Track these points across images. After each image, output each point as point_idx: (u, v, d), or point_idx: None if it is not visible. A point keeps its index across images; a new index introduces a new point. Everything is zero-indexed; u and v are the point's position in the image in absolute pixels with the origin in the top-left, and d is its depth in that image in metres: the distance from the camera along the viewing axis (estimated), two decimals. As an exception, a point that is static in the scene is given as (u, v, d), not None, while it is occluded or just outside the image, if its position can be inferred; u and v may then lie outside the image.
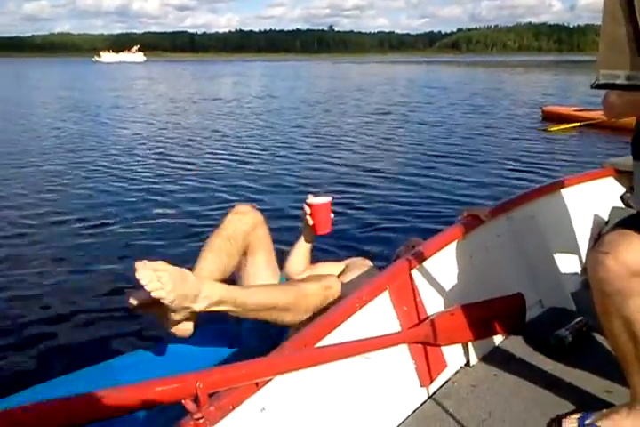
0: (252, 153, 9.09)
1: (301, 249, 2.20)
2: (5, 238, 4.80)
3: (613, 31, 0.89)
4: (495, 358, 1.83)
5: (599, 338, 1.83)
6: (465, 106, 17.02)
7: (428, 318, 1.72)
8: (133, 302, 1.57)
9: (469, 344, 1.80)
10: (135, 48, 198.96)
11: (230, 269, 1.89)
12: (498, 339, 1.92)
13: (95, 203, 5.99)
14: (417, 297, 1.75)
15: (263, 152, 9.16)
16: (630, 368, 1.34)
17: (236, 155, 8.95)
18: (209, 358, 1.86)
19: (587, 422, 1.42)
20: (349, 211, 5.48)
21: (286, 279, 2.15)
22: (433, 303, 1.80)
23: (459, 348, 1.79)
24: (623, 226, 1.36)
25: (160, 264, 1.45)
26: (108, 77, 47.01)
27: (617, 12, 0.88)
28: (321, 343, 1.43)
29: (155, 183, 6.92)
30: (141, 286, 1.42)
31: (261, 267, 2.04)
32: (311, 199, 2.12)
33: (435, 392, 1.67)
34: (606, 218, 2.50)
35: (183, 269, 1.52)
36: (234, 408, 1.17)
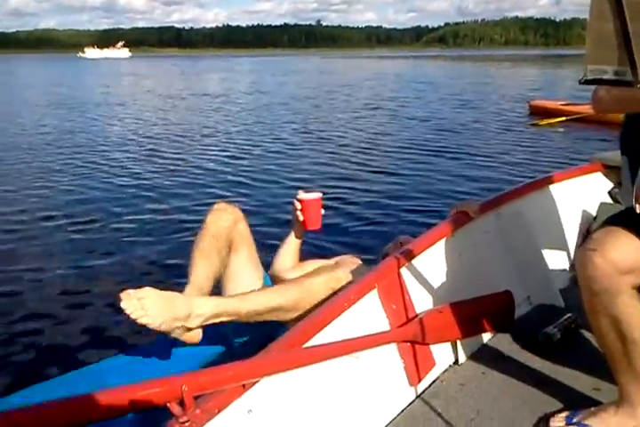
0: (241, 149, 9.08)
1: (291, 245, 2.19)
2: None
3: (600, 27, 0.89)
4: (484, 356, 1.82)
5: (587, 335, 1.83)
6: (453, 101, 17.05)
7: (416, 316, 1.71)
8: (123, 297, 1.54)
9: (458, 342, 1.79)
10: (120, 44, 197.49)
11: (222, 266, 1.90)
12: (486, 337, 1.91)
13: (84, 199, 5.97)
14: (406, 295, 1.74)
15: (253, 148, 9.14)
16: (618, 366, 1.34)
17: (226, 150, 8.93)
18: (196, 360, 1.84)
19: (574, 420, 1.42)
20: (339, 206, 5.48)
21: (271, 276, 2.13)
22: (422, 301, 1.79)
23: (447, 346, 1.78)
24: (611, 223, 1.35)
25: (145, 291, 1.47)
26: (94, 73, 46.62)
27: (604, 8, 0.87)
28: (309, 343, 1.41)
29: (144, 179, 6.90)
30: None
31: (244, 263, 2.02)
32: (302, 195, 2.10)
33: (423, 391, 1.66)
34: (594, 213, 2.50)
35: (170, 293, 1.54)
36: (220, 411, 1.15)
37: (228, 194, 6.14)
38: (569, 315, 1.93)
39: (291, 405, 1.34)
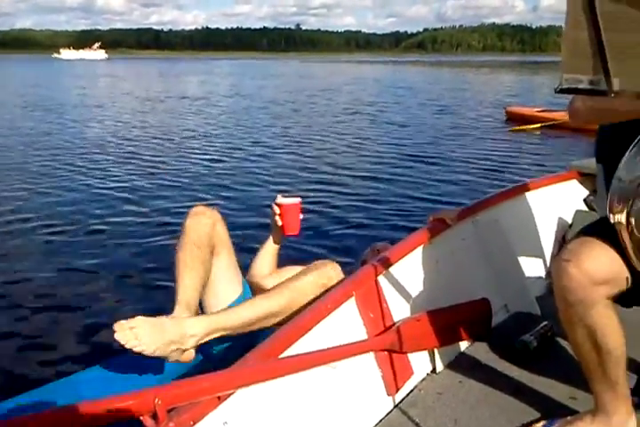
0: (221, 152, 9.04)
1: (269, 250, 2.17)
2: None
3: (576, 36, 0.89)
4: (461, 364, 1.82)
5: (563, 343, 1.84)
6: (431, 106, 17.18)
7: (394, 324, 1.71)
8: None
9: (435, 351, 1.79)
10: (96, 45, 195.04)
11: (207, 275, 1.86)
12: (464, 345, 1.91)
13: (62, 201, 5.89)
14: (383, 303, 1.73)
15: (233, 151, 9.12)
16: (593, 376, 1.34)
17: (206, 153, 8.89)
18: (172, 371, 1.81)
19: (551, 429, 1.42)
20: (318, 210, 5.48)
21: (249, 282, 2.11)
22: (399, 309, 1.79)
23: (425, 355, 1.78)
24: (586, 233, 1.36)
25: (136, 321, 1.51)
26: (70, 75, 46.06)
27: (579, 17, 0.87)
28: (285, 354, 1.40)
29: (123, 181, 6.83)
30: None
31: (223, 267, 1.98)
32: (280, 199, 2.09)
33: (401, 401, 1.65)
34: (570, 221, 2.52)
35: (160, 319, 1.56)
36: (195, 424, 1.13)
37: (208, 196, 6.10)
38: (545, 323, 1.94)
39: (267, 416, 1.33)
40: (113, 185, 6.67)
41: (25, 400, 1.72)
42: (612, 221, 1.25)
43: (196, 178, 7.10)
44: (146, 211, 5.57)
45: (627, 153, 1.24)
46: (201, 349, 1.94)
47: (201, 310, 1.91)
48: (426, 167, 7.72)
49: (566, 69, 0.92)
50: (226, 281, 1.97)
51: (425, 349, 1.77)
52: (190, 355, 1.65)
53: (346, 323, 1.62)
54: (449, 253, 2.04)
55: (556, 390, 1.63)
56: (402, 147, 9.51)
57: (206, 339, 1.63)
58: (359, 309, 1.66)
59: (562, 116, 10.00)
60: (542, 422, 1.46)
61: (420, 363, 1.77)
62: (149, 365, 1.86)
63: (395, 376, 1.65)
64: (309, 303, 1.72)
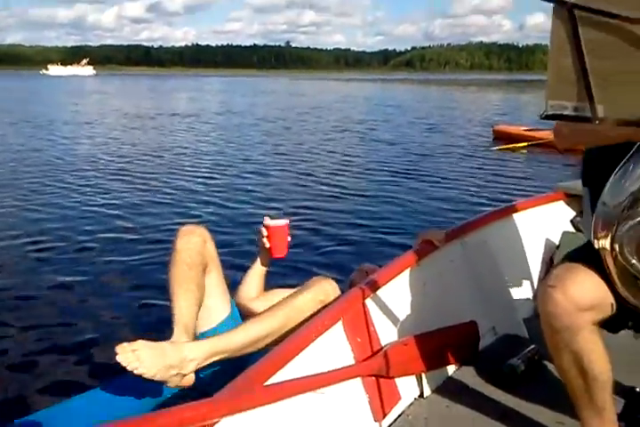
0: (211, 169, 9.05)
1: (257, 272, 2.16)
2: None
3: (561, 63, 0.90)
4: (448, 388, 1.81)
5: (551, 367, 1.83)
6: (420, 124, 17.34)
7: (381, 349, 1.69)
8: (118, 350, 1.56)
9: (423, 375, 1.77)
10: (84, 61, 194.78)
11: (202, 294, 1.84)
12: (451, 369, 1.90)
13: (51, 218, 5.87)
14: (371, 327, 1.72)
15: (223, 168, 9.13)
16: (580, 402, 1.34)
17: (196, 171, 8.88)
18: (157, 398, 1.78)
19: (539, 455, 1.41)
20: (307, 229, 5.47)
21: (237, 304, 2.09)
22: (387, 333, 1.77)
23: (412, 379, 1.76)
24: (571, 259, 1.36)
25: (138, 344, 1.52)
26: (60, 91, 46.00)
27: (564, 44, 0.88)
28: (271, 380, 1.38)
29: (112, 199, 6.81)
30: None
31: (213, 285, 1.96)
32: (268, 221, 2.08)
33: None
34: (557, 242, 2.52)
35: (161, 343, 1.57)
36: (178, 454, 1.11)
37: (198, 213, 6.11)
38: (532, 346, 1.93)
39: None
40: (103, 202, 6.66)
41: None
42: (596, 246, 1.25)
43: (186, 195, 7.09)
44: (136, 228, 5.55)
45: (611, 177, 1.24)
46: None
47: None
48: (414, 185, 7.77)
49: (551, 96, 0.92)
50: (215, 299, 1.95)
51: (412, 373, 1.75)
52: (190, 380, 1.64)
53: (333, 348, 1.60)
54: (437, 275, 2.03)
55: (544, 415, 1.62)
56: (391, 165, 9.55)
57: (205, 363, 1.62)
58: (346, 333, 1.64)
59: (548, 135, 10.09)
60: (530, 449, 1.44)
61: (408, 388, 1.75)
62: (134, 392, 1.82)
63: (382, 402, 1.63)
64: (308, 319, 1.72)
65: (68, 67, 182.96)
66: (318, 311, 1.75)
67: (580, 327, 1.24)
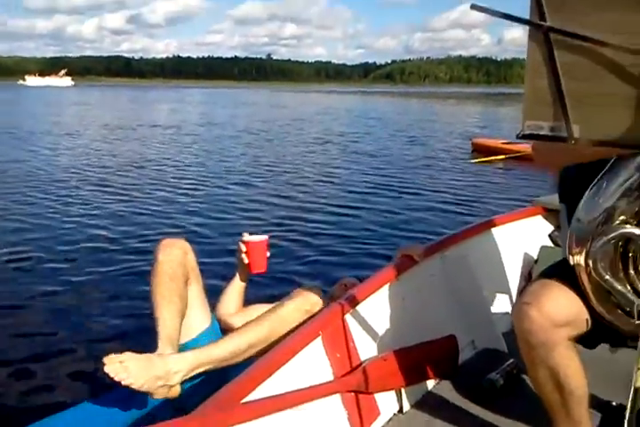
0: (192, 181, 9.00)
1: (236, 287, 2.15)
2: None
3: (537, 84, 0.91)
4: (428, 403, 1.81)
5: (529, 381, 1.82)
6: (401, 137, 17.47)
7: (361, 364, 1.69)
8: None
9: (402, 390, 1.77)
10: (62, 72, 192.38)
11: (186, 305, 1.86)
12: (431, 383, 1.90)
13: (31, 229, 5.80)
14: (350, 343, 1.71)
15: (204, 181, 9.08)
16: (557, 416, 1.35)
17: (177, 184, 8.81)
18: (137, 416, 1.75)
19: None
20: (289, 242, 5.46)
21: (217, 319, 2.08)
22: (366, 349, 1.77)
23: (392, 394, 1.76)
24: (547, 275, 1.37)
25: (125, 355, 1.54)
26: (39, 102, 45.55)
27: (540, 67, 0.90)
28: (249, 397, 1.36)
29: (93, 210, 6.74)
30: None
31: (194, 297, 1.96)
32: (247, 237, 2.07)
33: None
34: (536, 256, 2.55)
35: (147, 355, 1.59)
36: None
37: (179, 224, 6.10)
38: (512, 360, 1.94)
39: None
40: (84, 212, 6.63)
41: None
42: (571, 262, 1.27)
43: (168, 207, 7.05)
44: (116, 238, 5.53)
45: (585, 194, 1.26)
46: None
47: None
48: (395, 197, 7.83)
49: (528, 116, 0.94)
50: (196, 310, 1.95)
51: (392, 388, 1.75)
52: (177, 391, 1.66)
53: (312, 364, 1.59)
54: (416, 289, 2.04)
55: None
56: (372, 177, 9.61)
57: (191, 375, 1.64)
58: (326, 349, 1.64)
59: (526, 148, 10.22)
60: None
61: (387, 403, 1.74)
62: (125, 405, 1.81)
63: (361, 418, 1.62)
64: (293, 329, 1.72)
65: (46, 77, 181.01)
66: (305, 322, 1.75)
67: (555, 343, 1.26)
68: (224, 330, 1.99)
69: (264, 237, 2.08)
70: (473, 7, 0.87)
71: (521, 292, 1.38)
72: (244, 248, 2.06)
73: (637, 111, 0.85)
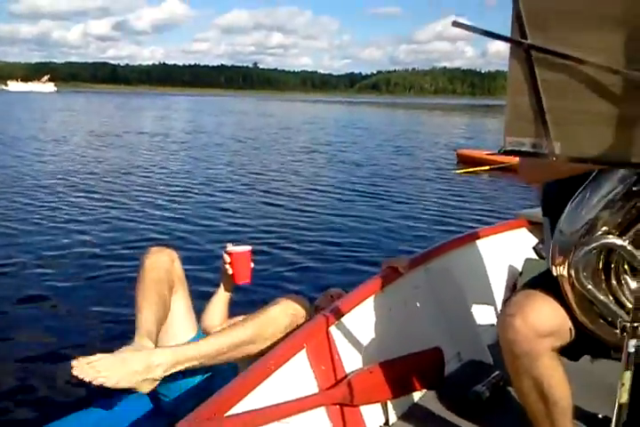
0: (179, 189, 8.95)
1: (220, 298, 2.14)
2: None
3: (518, 101, 0.92)
4: (414, 416, 1.80)
5: (515, 393, 1.84)
6: (387, 147, 17.57)
7: (346, 377, 1.68)
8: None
9: (388, 403, 1.76)
10: (45, 78, 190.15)
11: (167, 309, 1.87)
12: (417, 396, 1.89)
13: (10, 238, 5.72)
14: (335, 355, 1.70)
15: (191, 188, 9.05)
16: None
17: (163, 191, 8.77)
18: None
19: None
20: (275, 250, 5.45)
21: (203, 329, 2.06)
22: (352, 361, 1.76)
23: (377, 407, 1.75)
24: (531, 286, 1.39)
25: (95, 356, 1.53)
26: (22, 108, 45.13)
27: (521, 84, 0.90)
28: (233, 410, 1.35)
29: (75, 220, 6.64)
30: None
31: (181, 305, 1.97)
32: (231, 248, 2.06)
33: None
34: (520, 269, 2.56)
35: (121, 352, 1.57)
36: None
37: (165, 232, 6.07)
38: (497, 372, 1.94)
39: None
40: (69, 218, 6.62)
41: None
42: (554, 273, 1.28)
43: (153, 214, 7.03)
44: (101, 244, 5.52)
45: (568, 205, 1.28)
46: (154, 396, 1.88)
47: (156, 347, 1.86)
48: (381, 206, 7.86)
49: (509, 132, 0.94)
50: (182, 319, 1.96)
51: (377, 401, 1.74)
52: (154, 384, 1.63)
53: (297, 376, 1.58)
54: (401, 301, 2.04)
55: None
56: (358, 186, 9.64)
57: (174, 369, 1.62)
58: (310, 361, 1.63)
59: (510, 159, 10.31)
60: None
61: (373, 416, 1.73)
62: (110, 417, 1.79)
63: (346, 431, 1.61)
64: (279, 333, 1.73)
65: (29, 83, 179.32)
66: (289, 324, 1.76)
67: (539, 353, 1.26)
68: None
69: (248, 247, 2.07)
70: (454, 24, 0.87)
71: (505, 302, 1.38)
72: (227, 259, 2.05)
73: (618, 129, 0.86)
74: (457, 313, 2.19)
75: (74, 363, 1.49)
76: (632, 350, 1.00)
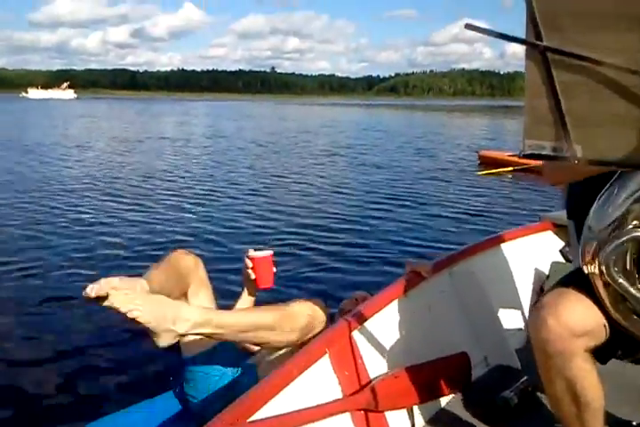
0: (201, 194, 9.01)
1: (244, 303, 2.15)
2: None
3: (536, 103, 0.90)
4: (440, 421, 1.77)
5: (544, 399, 1.80)
6: (408, 149, 17.52)
7: (370, 382, 1.65)
8: (90, 293, 1.47)
9: (414, 408, 1.73)
10: (65, 85, 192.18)
11: (174, 294, 1.80)
12: (443, 401, 1.86)
13: (38, 240, 5.84)
14: (358, 360, 1.68)
15: (213, 193, 9.10)
16: None
17: (185, 195, 8.84)
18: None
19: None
20: (292, 256, 5.42)
21: None
22: (375, 366, 1.73)
23: (403, 413, 1.72)
24: (562, 284, 1.35)
25: (133, 288, 1.47)
26: (43, 115, 45.83)
27: (538, 86, 0.89)
28: (256, 416, 1.33)
29: (99, 224, 6.73)
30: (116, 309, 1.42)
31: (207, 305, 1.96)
32: (252, 253, 2.07)
33: None
34: (547, 272, 2.52)
35: (159, 295, 1.52)
36: None
37: (188, 236, 6.10)
38: (525, 378, 1.90)
39: None
40: (95, 221, 6.74)
41: None
42: (585, 271, 1.25)
43: (177, 217, 7.13)
44: (127, 246, 5.61)
45: (595, 203, 1.26)
46: (183, 398, 1.88)
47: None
48: (403, 210, 7.80)
49: (528, 135, 0.93)
50: None
51: (403, 407, 1.71)
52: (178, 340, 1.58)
53: (320, 382, 1.56)
54: (425, 306, 2.01)
55: None
56: (379, 189, 9.61)
57: (198, 330, 1.54)
58: (333, 366, 1.61)
59: (533, 160, 10.19)
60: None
61: (399, 422, 1.70)
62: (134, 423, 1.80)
63: (372, 437, 1.58)
64: (296, 331, 1.69)
65: (49, 90, 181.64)
66: (307, 325, 1.71)
67: (573, 353, 1.23)
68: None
69: (269, 252, 2.08)
70: (467, 27, 0.86)
71: (536, 302, 1.35)
72: (250, 264, 2.05)
73: (639, 131, 0.84)
74: (483, 317, 2.15)
75: (111, 292, 1.39)
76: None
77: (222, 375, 1.85)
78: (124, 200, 8.25)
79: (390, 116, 53.15)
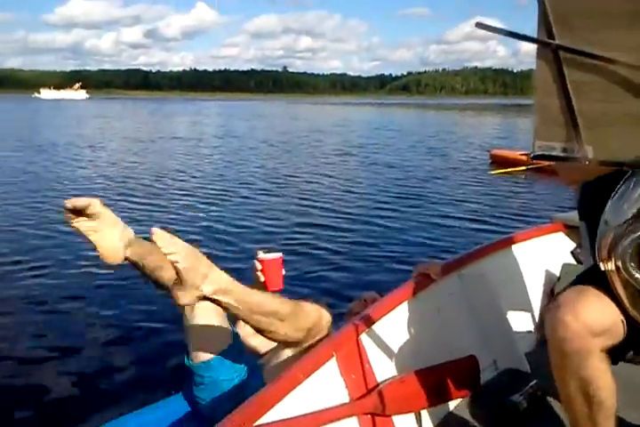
0: (214, 193, 9.08)
1: None
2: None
3: (547, 103, 0.89)
4: (449, 425, 1.75)
5: (553, 403, 1.78)
6: (420, 148, 17.51)
7: (377, 386, 1.63)
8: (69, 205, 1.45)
9: (422, 412, 1.71)
10: (77, 85, 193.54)
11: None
12: (451, 405, 1.84)
13: (53, 244, 5.86)
14: (366, 364, 1.66)
15: (226, 192, 9.18)
16: None
17: (198, 195, 8.92)
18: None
19: None
20: (306, 255, 5.45)
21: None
22: (383, 370, 1.72)
23: (411, 417, 1.70)
24: (579, 282, 1.33)
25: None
26: (56, 115, 46.18)
27: (549, 86, 0.87)
28: (262, 420, 1.32)
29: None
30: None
31: (215, 314, 1.85)
32: (262, 255, 2.05)
33: None
34: (558, 274, 2.48)
35: (196, 249, 1.49)
36: None
37: (200, 236, 6.13)
38: (535, 381, 1.88)
39: None
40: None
41: None
42: (602, 268, 1.23)
43: (190, 216, 7.19)
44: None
45: (609, 199, 1.24)
46: (192, 399, 1.88)
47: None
48: (414, 210, 7.80)
49: (539, 136, 0.91)
50: (217, 327, 1.88)
51: (410, 411, 1.69)
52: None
53: (327, 385, 1.55)
54: (434, 308, 1.99)
55: None
56: (391, 188, 9.64)
57: (219, 297, 1.51)
58: (341, 370, 1.59)
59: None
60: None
61: (406, 426, 1.69)
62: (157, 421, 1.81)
63: (379, 442, 1.57)
64: (301, 329, 1.65)
65: (61, 90, 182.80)
66: (313, 327, 1.68)
67: (589, 352, 1.21)
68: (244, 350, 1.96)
69: (278, 254, 2.06)
70: (478, 26, 0.85)
71: (550, 302, 1.33)
72: (259, 266, 2.04)
73: None
74: (492, 320, 2.12)
75: (154, 229, 1.39)
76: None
77: (231, 379, 1.84)
78: (136, 200, 8.32)
79: (402, 115, 53.00)
